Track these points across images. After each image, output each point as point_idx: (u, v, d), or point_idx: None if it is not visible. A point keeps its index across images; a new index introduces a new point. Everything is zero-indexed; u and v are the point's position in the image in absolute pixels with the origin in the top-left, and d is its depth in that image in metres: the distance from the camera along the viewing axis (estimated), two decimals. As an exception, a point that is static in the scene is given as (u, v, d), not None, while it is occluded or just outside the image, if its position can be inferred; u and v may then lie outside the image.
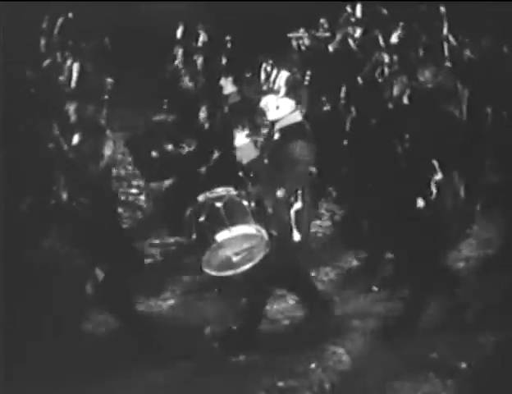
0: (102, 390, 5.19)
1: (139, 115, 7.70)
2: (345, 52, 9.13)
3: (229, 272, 5.35)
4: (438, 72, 6.27)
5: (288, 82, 5.31)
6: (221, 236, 5.15)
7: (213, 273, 5.35)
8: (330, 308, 5.80)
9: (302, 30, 9.95)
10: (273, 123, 5.43)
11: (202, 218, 5.22)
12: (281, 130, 5.37)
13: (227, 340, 5.64)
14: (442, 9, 9.60)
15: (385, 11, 9.33)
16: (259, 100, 5.44)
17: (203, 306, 6.24)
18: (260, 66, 5.25)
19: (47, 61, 8.04)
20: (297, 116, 5.39)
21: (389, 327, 5.75)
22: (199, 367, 5.44)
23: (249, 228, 5.21)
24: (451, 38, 9.16)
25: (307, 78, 8.66)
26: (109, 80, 6.53)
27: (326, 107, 8.54)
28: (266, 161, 5.42)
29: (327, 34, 10.34)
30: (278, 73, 5.31)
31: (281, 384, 5.23)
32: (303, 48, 9.72)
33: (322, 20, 10.62)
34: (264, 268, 5.35)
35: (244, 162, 5.27)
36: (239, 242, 5.21)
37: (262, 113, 5.49)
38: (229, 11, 10.27)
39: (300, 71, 8.61)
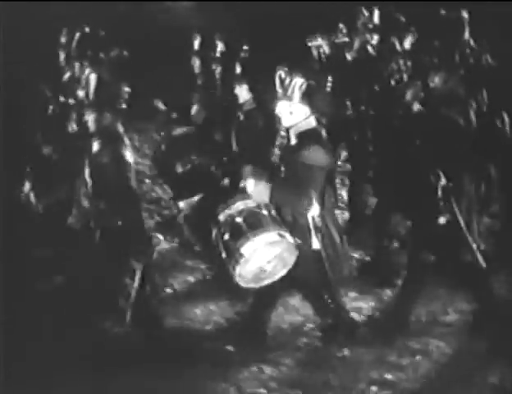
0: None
1: (158, 127, 7.92)
2: (363, 60, 9.24)
3: (266, 282, 5.50)
4: (449, 78, 6.35)
5: (302, 88, 5.45)
6: (246, 249, 5.30)
7: (251, 286, 5.52)
8: None
9: (320, 38, 10.06)
10: (288, 129, 5.57)
11: (226, 236, 5.39)
12: (297, 136, 5.54)
13: (330, 335, 5.88)
14: (464, 13, 9.67)
15: (402, 18, 9.43)
16: (274, 107, 5.58)
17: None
18: (275, 73, 5.42)
19: (66, 75, 8.25)
20: (312, 122, 5.58)
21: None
22: (306, 362, 5.75)
23: (272, 235, 5.37)
24: (472, 43, 9.26)
25: (328, 84, 8.83)
26: (126, 88, 6.72)
27: (349, 112, 8.66)
28: (283, 168, 5.56)
29: (346, 39, 10.44)
30: (292, 80, 5.47)
31: (389, 377, 5.51)
32: (323, 55, 9.83)
33: (340, 25, 10.71)
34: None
35: (260, 203, 5.43)
36: (266, 251, 5.37)
37: (277, 120, 5.62)
38: (246, 19, 10.46)
39: (321, 78, 8.82)
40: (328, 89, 8.81)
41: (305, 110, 5.54)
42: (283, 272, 5.46)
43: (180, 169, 7.09)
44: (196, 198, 7.02)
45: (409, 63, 8.19)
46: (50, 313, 5.73)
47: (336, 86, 8.84)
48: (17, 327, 5.57)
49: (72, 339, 5.68)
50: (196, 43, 8.55)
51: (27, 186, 6.22)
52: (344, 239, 5.73)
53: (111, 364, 5.63)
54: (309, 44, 9.71)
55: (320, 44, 9.70)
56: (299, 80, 5.51)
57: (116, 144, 6.12)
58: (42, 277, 5.84)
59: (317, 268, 5.58)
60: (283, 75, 5.55)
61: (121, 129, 6.11)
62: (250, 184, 5.47)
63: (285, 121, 5.60)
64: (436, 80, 6.55)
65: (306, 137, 5.52)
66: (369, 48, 9.35)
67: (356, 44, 9.49)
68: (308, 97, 5.50)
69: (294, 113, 5.54)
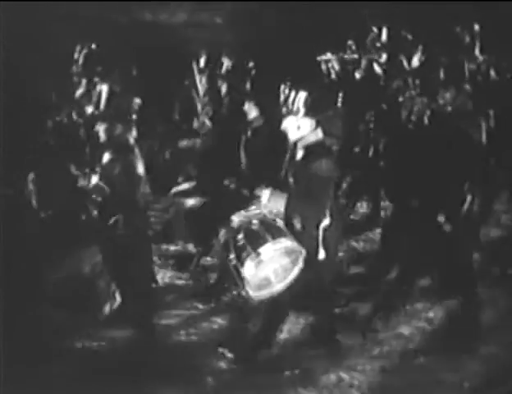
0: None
1: (165, 139, 8.15)
2: (371, 78, 9.44)
3: (265, 293, 5.66)
4: (458, 94, 6.56)
5: (307, 102, 5.68)
6: (264, 249, 5.49)
7: (251, 293, 5.65)
8: None
9: (330, 54, 10.28)
10: (295, 143, 5.79)
11: (240, 236, 5.58)
12: (304, 149, 5.77)
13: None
14: (476, 27, 9.85)
15: (409, 36, 9.64)
16: (281, 122, 5.79)
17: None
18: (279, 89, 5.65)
19: (79, 91, 8.46)
20: (318, 134, 5.82)
21: None
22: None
23: (292, 241, 5.59)
24: (481, 58, 9.45)
25: (339, 100, 9.07)
26: (137, 100, 6.97)
27: (361, 128, 8.88)
28: (291, 180, 5.77)
29: (355, 56, 10.64)
30: (296, 94, 5.69)
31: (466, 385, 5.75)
32: (332, 71, 10.04)
33: (349, 42, 10.90)
34: None
35: (275, 212, 5.68)
36: (279, 257, 5.58)
37: (285, 135, 5.83)
38: (254, 36, 10.70)
39: (332, 94, 9.08)
40: (339, 104, 9.08)
41: (311, 123, 5.75)
42: (280, 286, 5.64)
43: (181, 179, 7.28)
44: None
45: (417, 81, 8.39)
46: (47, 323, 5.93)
47: (345, 102, 9.09)
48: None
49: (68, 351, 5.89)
50: (202, 61, 8.75)
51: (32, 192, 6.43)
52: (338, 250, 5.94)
53: (112, 375, 5.82)
54: (319, 59, 9.92)
55: (329, 59, 9.90)
56: (302, 94, 5.72)
57: (127, 155, 6.33)
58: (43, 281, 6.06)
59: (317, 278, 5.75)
60: (287, 91, 5.74)
61: (131, 140, 6.32)
62: (266, 193, 5.68)
63: (293, 135, 5.81)
64: (445, 97, 6.73)
65: (314, 149, 5.74)
66: (377, 65, 9.54)
67: (364, 62, 9.70)
68: (313, 110, 5.70)
69: (300, 127, 5.76)
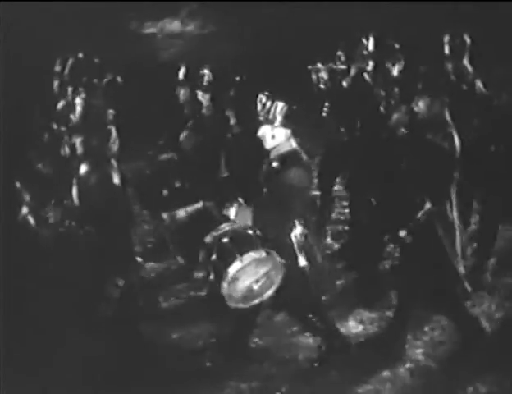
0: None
1: (144, 152, 8.28)
2: (359, 87, 9.54)
3: (256, 301, 5.84)
4: (433, 104, 6.65)
5: (283, 112, 5.79)
6: (233, 268, 5.66)
7: (241, 306, 5.82)
8: None
9: (320, 64, 10.37)
10: (269, 152, 5.90)
11: (213, 257, 5.77)
12: (277, 159, 5.88)
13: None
14: (467, 38, 9.96)
15: (396, 45, 9.74)
16: (256, 130, 5.91)
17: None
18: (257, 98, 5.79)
19: (61, 103, 8.55)
20: (292, 144, 5.96)
21: None
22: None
23: (259, 252, 5.74)
24: (469, 68, 9.56)
25: (325, 109, 9.18)
26: (111, 111, 7.08)
27: (346, 138, 8.98)
28: (265, 189, 5.88)
29: (344, 67, 10.73)
30: (273, 103, 5.80)
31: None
32: (321, 80, 10.13)
33: (338, 53, 10.98)
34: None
35: (247, 224, 5.85)
36: (254, 269, 5.74)
37: (260, 143, 5.94)
38: (239, 48, 10.85)
39: (318, 103, 9.18)
40: (324, 114, 9.19)
41: (286, 132, 5.87)
42: (270, 291, 5.83)
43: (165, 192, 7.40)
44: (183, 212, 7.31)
45: (397, 89, 8.50)
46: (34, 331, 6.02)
47: (331, 111, 9.19)
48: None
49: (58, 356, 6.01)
50: (182, 72, 8.86)
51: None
52: (326, 258, 6.04)
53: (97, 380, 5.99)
54: (309, 67, 10.02)
55: (318, 68, 10.00)
56: (279, 104, 5.85)
57: (104, 166, 6.43)
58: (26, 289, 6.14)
59: (303, 287, 5.87)
60: (264, 100, 5.86)
61: (108, 152, 6.42)
62: (232, 211, 5.78)
63: (267, 144, 5.92)
64: (420, 105, 6.81)
65: (287, 159, 5.86)
66: (365, 75, 9.64)
67: (353, 71, 9.79)
68: (288, 120, 5.81)
69: (275, 136, 5.87)
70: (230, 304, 5.74)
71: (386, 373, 6.29)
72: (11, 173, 6.67)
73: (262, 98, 5.88)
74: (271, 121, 5.87)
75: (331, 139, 9.20)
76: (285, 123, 5.89)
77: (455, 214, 6.65)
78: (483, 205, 8.51)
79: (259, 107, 5.89)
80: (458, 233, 6.54)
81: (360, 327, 6.99)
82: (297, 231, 5.87)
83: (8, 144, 6.92)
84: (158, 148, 8.22)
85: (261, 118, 5.90)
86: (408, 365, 6.43)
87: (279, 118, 5.86)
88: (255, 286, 5.73)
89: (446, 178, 6.49)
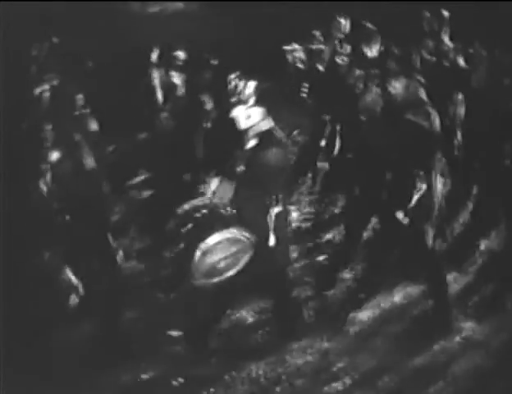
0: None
1: (119, 134, 8.23)
2: (335, 68, 9.54)
3: (216, 280, 5.92)
4: (409, 84, 6.65)
5: (256, 91, 5.77)
6: (212, 239, 5.78)
7: (202, 282, 5.93)
8: None
9: (296, 44, 10.35)
10: (246, 132, 5.88)
11: (189, 226, 5.87)
12: (255, 138, 5.86)
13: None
14: (445, 13, 9.96)
15: (371, 27, 9.74)
16: (230, 111, 5.89)
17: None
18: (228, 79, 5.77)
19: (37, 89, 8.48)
20: (269, 123, 5.91)
21: None
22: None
23: (233, 232, 5.85)
24: (450, 45, 9.56)
25: (304, 90, 9.18)
26: (80, 96, 7.01)
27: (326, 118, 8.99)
28: (243, 168, 5.88)
29: (321, 47, 10.71)
30: (246, 83, 5.78)
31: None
32: (297, 61, 10.12)
33: (315, 33, 10.96)
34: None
35: (224, 201, 5.88)
36: (225, 247, 5.84)
37: (235, 124, 5.92)
38: (215, 29, 10.80)
39: (297, 84, 9.17)
40: (304, 95, 9.19)
41: (261, 111, 5.86)
42: (232, 272, 5.90)
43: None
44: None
45: (374, 71, 8.49)
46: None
47: (310, 92, 9.19)
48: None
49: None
50: (155, 54, 8.82)
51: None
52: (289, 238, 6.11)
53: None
54: (285, 48, 10.01)
55: (294, 49, 9.99)
56: (252, 83, 5.82)
57: (75, 152, 6.39)
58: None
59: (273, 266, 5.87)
60: (236, 80, 5.84)
61: (78, 137, 6.37)
62: (215, 181, 5.80)
63: (243, 124, 5.90)
64: (396, 87, 6.81)
65: (264, 138, 5.86)
66: (340, 57, 9.63)
67: (328, 53, 9.78)
68: (262, 98, 5.81)
69: (251, 116, 5.85)
70: (193, 280, 5.86)
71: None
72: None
73: (234, 78, 5.87)
74: (244, 102, 5.86)
75: (310, 120, 9.22)
76: (259, 102, 5.89)
77: (439, 195, 6.69)
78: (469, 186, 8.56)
79: (231, 87, 5.88)
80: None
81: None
82: (275, 210, 5.89)
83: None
84: (134, 131, 8.20)
85: (234, 99, 5.89)
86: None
87: (252, 98, 5.86)
88: (221, 264, 5.82)
89: (428, 158, 6.51)
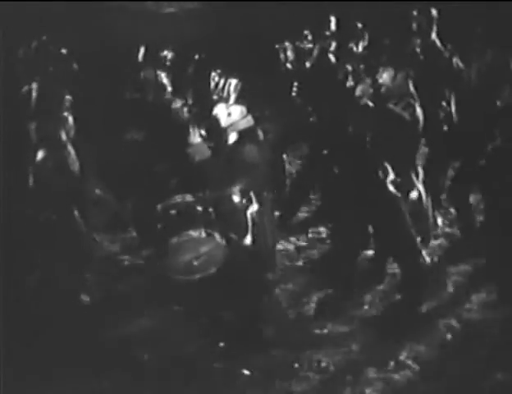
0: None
1: (106, 134, 8.28)
2: (323, 66, 9.61)
3: (198, 275, 6.05)
4: (396, 75, 6.72)
5: (237, 89, 5.85)
6: (173, 242, 5.96)
7: (182, 277, 6.07)
8: None
9: (287, 42, 10.43)
10: (226, 129, 5.97)
11: (159, 227, 6.04)
12: (236, 135, 5.96)
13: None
14: (434, 12, 10.04)
15: (359, 24, 9.82)
16: (212, 109, 5.98)
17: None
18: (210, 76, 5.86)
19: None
20: (249, 121, 6.01)
21: None
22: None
23: (200, 232, 6.01)
24: (438, 43, 9.65)
25: (294, 89, 9.27)
26: (68, 97, 7.09)
27: (313, 118, 9.06)
28: (221, 165, 5.97)
29: (311, 46, 10.79)
30: (226, 81, 5.86)
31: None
32: (288, 59, 10.20)
33: (305, 32, 11.04)
34: None
35: (196, 159, 5.89)
36: (194, 247, 5.98)
37: (216, 121, 6.01)
38: (204, 27, 10.88)
39: (287, 83, 9.25)
40: (293, 94, 9.28)
41: (242, 109, 5.94)
42: (213, 269, 6.02)
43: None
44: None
45: (362, 65, 8.59)
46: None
47: (300, 91, 9.26)
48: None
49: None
50: (141, 54, 8.91)
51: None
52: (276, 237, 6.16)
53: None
54: (276, 46, 10.09)
55: (285, 47, 10.07)
56: (233, 81, 5.91)
57: (60, 152, 6.45)
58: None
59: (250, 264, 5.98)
60: (217, 78, 5.93)
61: (64, 137, 6.44)
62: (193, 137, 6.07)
63: (223, 122, 5.99)
64: (384, 77, 6.89)
65: (244, 136, 5.95)
66: (329, 54, 9.71)
67: (316, 51, 9.87)
68: (243, 96, 5.90)
69: (231, 114, 5.94)
70: (172, 275, 6.01)
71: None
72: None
73: (215, 76, 5.95)
74: (225, 99, 5.96)
75: (299, 117, 9.27)
76: (240, 100, 5.97)
77: (421, 185, 6.78)
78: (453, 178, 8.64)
79: (212, 85, 5.97)
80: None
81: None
82: (253, 208, 6.00)
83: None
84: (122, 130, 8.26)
85: (215, 97, 5.98)
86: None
87: (233, 95, 5.95)
88: (195, 262, 5.95)
89: (410, 148, 6.59)
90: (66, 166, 6.52)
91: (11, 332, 6.10)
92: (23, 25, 9.86)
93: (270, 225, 6.27)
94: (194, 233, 5.96)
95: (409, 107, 6.60)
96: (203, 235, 5.97)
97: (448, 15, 9.92)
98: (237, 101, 5.99)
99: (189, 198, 6.08)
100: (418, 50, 9.06)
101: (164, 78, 8.02)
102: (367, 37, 9.57)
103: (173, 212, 6.02)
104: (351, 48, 9.51)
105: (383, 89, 6.69)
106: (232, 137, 6.07)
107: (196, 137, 6.13)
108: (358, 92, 7.25)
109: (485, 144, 7.81)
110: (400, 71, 6.79)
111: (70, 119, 6.73)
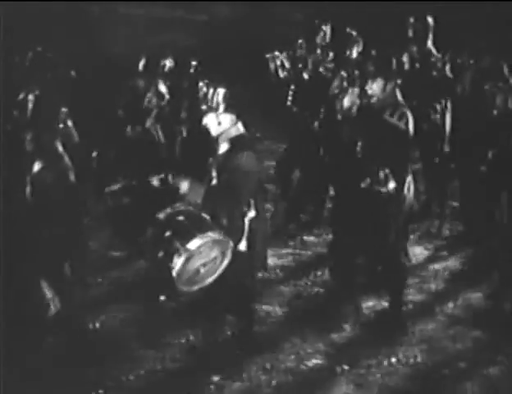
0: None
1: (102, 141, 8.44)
2: (318, 76, 9.76)
3: (196, 287, 6.01)
4: (386, 86, 6.88)
5: (226, 98, 6.00)
6: (193, 244, 5.82)
7: (185, 289, 6.01)
8: None
9: (278, 52, 10.58)
10: (217, 138, 6.12)
11: (167, 233, 5.89)
12: (227, 143, 6.18)
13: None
14: (430, 20, 10.21)
15: (354, 33, 9.98)
16: (201, 119, 6.13)
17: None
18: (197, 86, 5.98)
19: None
20: (239, 129, 6.21)
21: None
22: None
23: (219, 234, 5.94)
24: (434, 51, 9.82)
25: (289, 98, 9.44)
26: (64, 109, 7.21)
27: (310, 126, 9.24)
28: (215, 174, 6.10)
29: (304, 55, 10.92)
30: (215, 91, 6.02)
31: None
32: (280, 68, 10.35)
33: (300, 41, 11.17)
34: None
35: (197, 201, 6.08)
36: (208, 251, 5.91)
37: (206, 131, 6.15)
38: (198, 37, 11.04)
39: (282, 90, 9.44)
40: (288, 103, 9.45)
41: (231, 117, 6.10)
42: (211, 279, 6.01)
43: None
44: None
45: (354, 73, 8.76)
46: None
47: (295, 100, 9.44)
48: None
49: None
50: (142, 63, 9.02)
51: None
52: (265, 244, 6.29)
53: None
54: (267, 56, 10.25)
55: (277, 56, 10.21)
56: (221, 90, 6.06)
57: (57, 163, 6.56)
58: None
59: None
60: (205, 88, 6.05)
61: (60, 148, 6.55)
62: (184, 185, 5.99)
63: (214, 131, 6.15)
64: (373, 87, 7.05)
65: (235, 144, 6.14)
66: (323, 64, 9.87)
67: (311, 60, 10.03)
68: (232, 105, 6.03)
69: (221, 123, 6.10)
70: (177, 285, 5.88)
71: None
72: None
73: (203, 86, 6.03)
74: (214, 109, 6.09)
75: (294, 127, 9.45)
76: (229, 109, 6.10)
77: (411, 193, 6.95)
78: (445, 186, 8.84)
79: (201, 95, 6.04)
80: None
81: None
82: (251, 214, 6.08)
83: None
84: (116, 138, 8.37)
85: (204, 107, 6.10)
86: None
87: (222, 105, 6.07)
88: (202, 270, 5.91)
89: (401, 157, 6.76)
90: (63, 176, 6.63)
91: (11, 332, 6.19)
92: (21, 33, 10.02)
93: (264, 232, 6.36)
94: (212, 234, 5.85)
95: (404, 117, 6.76)
96: (221, 236, 5.89)
97: (443, 22, 10.13)
98: (226, 110, 6.11)
99: (189, 206, 6.07)
100: (410, 58, 9.28)
101: (163, 87, 8.20)
102: (361, 44, 9.74)
103: (180, 218, 5.92)
104: (347, 56, 9.69)
105: (373, 99, 6.85)
106: (223, 146, 6.16)
107: (186, 184, 6.18)
108: (346, 102, 7.44)
109: (482, 152, 8.02)
110: (389, 81, 6.93)
111: (68, 130, 6.85)
